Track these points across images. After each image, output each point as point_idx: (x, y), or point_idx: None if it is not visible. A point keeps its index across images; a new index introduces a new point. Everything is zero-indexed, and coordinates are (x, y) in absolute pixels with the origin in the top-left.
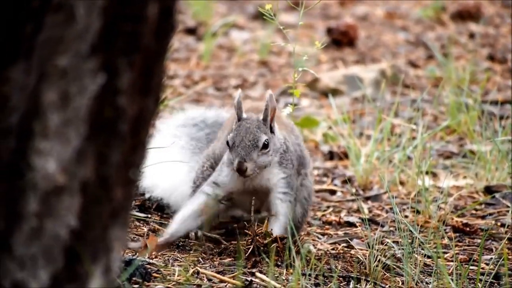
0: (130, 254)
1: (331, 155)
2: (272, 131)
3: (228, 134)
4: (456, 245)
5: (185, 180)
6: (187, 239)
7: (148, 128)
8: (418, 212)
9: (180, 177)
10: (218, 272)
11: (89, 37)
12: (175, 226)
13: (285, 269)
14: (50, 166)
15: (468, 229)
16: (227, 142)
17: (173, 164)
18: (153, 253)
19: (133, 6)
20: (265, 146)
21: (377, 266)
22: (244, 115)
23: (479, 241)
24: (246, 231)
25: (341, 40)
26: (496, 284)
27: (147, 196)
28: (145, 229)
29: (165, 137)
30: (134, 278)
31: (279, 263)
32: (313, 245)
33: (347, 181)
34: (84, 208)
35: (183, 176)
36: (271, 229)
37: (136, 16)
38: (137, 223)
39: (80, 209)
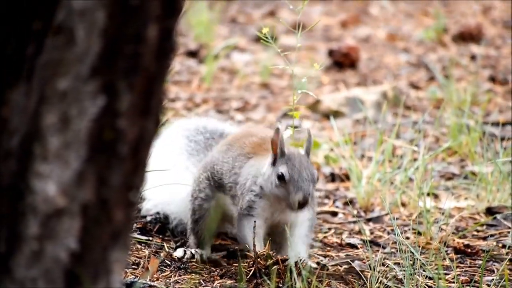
0: (132, 276)
1: (332, 177)
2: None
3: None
4: (457, 266)
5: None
6: (190, 261)
7: (148, 150)
8: (419, 233)
9: (180, 190)
10: None
11: (89, 60)
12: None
13: None
14: (50, 188)
15: (469, 250)
16: (281, 176)
17: (175, 172)
18: (155, 275)
19: (133, 28)
20: (317, 180)
21: (378, 287)
22: (286, 149)
23: (480, 262)
24: (247, 253)
25: (342, 62)
26: None
27: (148, 218)
28: (146, 252)
29: (163, 138)
30: None
31: (281, 285)
32: (317, 262)
33: (349, 202)
34: (84, 231)
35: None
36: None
37: (136, 38)
38: (139, 246)
39: (80, 232)
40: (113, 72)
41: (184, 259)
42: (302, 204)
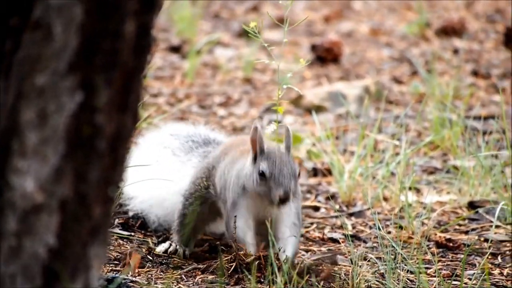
0: (113, 272)
1: (314, 172)
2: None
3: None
4: (439, 261)
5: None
6: (172, 257)
7: (126, 146)
8: (401, 227)
9: (171, 187)
10: None
11: (66, 55)
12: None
13: (267, 286)
14: (28, 184)
15: (451, 244)
16: (262, 173)
17: (161, 171)
18: (136, 270)
19: (110, 24)
20: (299, 175)
21: (360, 282)
22: (266, 146)
23: (462, 256)
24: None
25: (325, 56)
26: None
27: (130, 213)
28: (128, 247)
29: (155, 144)
30: None
31: (262, 280)
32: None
33: (331, 197)
34: (62, 226)
35: (173, 185)
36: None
37: (114, 34)
38: (120, 241)
39: (58, 228)
40: (91, 67)
41: (168, 252)
42: (284, 200)
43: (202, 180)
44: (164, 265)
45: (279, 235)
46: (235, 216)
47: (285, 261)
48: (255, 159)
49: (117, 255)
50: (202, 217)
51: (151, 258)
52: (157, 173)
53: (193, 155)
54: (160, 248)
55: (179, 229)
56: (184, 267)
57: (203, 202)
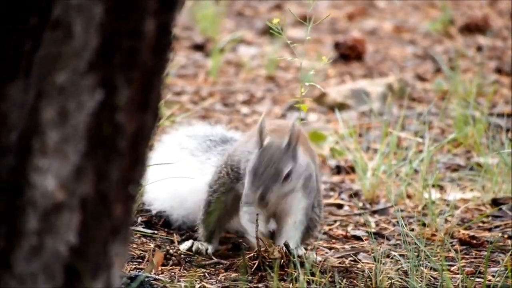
0: (136, 270)
1: (338, 169)
2: (294, 158)
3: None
4: (462, 258)
5: (195, 187)
6: (195, 255)
7: (147, 144)
8: (424, 225)
9: (191, 185)
10: (224, 287)
11: (86, 54)
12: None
13: (290, 284)
14: (49, 183)
15: (474, 241)
16: (250, 171)
17: (182, 168)
18: (159, 268)
19: (130, 23)
20: (288, 176)
21: (383, 279)
22: (267, 140)
23: (485, 253)
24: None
25: (349, 54)
26: None
27: (153, 212)
28: (152, 245)
29: (172, 146)
30: None
31: (285, 277)
32: (321, 255)
33: (354, 195)
34: (83, 225)
35: (194, 182)
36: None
37: (133, 32)
38: (144, 239)
39: (79, 226)
40: (111, 66)
41: (192, 250)
42: (261, 202)
43: (227, 167)
44: (188, 263)
45: (282, 232)
46: (248, 205)
47: (307, 259)
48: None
49: (140, 253)
50: (226, 209)
51: (174, 255)
52: (177, 172)
53: (212, 153)
54: (183, 247)
55: (204, 218)
56: (207, 265)
57: (228, 191)
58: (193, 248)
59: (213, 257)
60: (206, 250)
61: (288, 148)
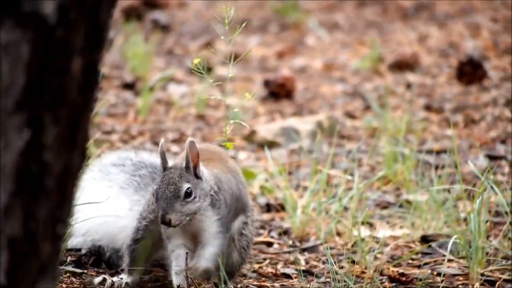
0: None
1: (268, 207)
2: (198, 177)
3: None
4: None
5: (125, 214)
6: None
7: (74, 183)
8: (354, 262)
9: (121, 222)
10: None
11: (14, 93)
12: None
13: None
14: None
15: (404, 278)
16: (153, 194)
17: (112, 201)
18: None
19: (57, 61)
20: (188, 194)
21: None
22: (170, 164)
23: None
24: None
25: (278, 92)
26: None
27: (83, 251)
28: (81, 284)
29: (100, 177)
30: None
31: None
32: None
33: (284, 233)
34: (12, 264)
35: (123, 210)
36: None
37: (60, 71)
38: (73, 279)
39: (7, 265)
40: (38, 105)
41: (105, 285)
42: (163, 222)
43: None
44: None
45: (199, 249)
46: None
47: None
48: None
49: None
50: (153, 238)
51: None
52: (106, 209)
53: (141, 193)
54: (96, 281)
55: (130, 245)
56: None
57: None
58: (107, 283)
59: None
60: (121, 284)
61: (187, 168)
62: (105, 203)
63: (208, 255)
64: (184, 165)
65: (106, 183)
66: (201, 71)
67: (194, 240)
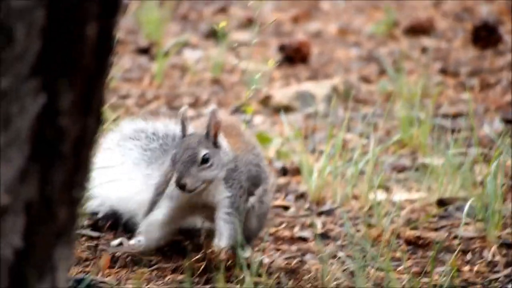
0: (82, 273)
1: (284, 172)
2: (217, 146)
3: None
4: (408, 258)
5: (142, 189)
6: (140, 256)
7: (90, 148)
8: (370, 226)
9: (136, 187)
10: None
11: (29, 58)
12: (147, 235)
13: (238, 285)
14: None
15: (420, 242)
16: (171, 158)
17: (128, 175)
18: (106, 271)
19: (72, 27)
20: (205, 160)
21: (329, 280)
22: (190, 131)
23: (431, 253)
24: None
25: (294, 57)
26: None
27: (100, 215)
28: (98, 248)
29: (116, 150)
30: None
31: (232, 279)
32: (267, 257)
33: (300, 196)
34: (28, 228)
35: (138, 185)
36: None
37: (75, 37)
38: (90, 242)
39: (24, 229)
40: (53, 70)
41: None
42: (178, 185)
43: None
44: (135, 266)
45: (215, 227)
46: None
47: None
48: None
49: (86, 256)
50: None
51: (121, 258)
52: (122, 173)
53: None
54: (113, 244)
55: (146, 216)
56: (153, 266)
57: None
58: (124, 245)
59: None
60: (139, 248)
61: (207, 135)
62: (120, 177)
63: (225, 241)
64: (204, 132)
65: (121, 158)
66: (224, 35)
67: (205, 216)
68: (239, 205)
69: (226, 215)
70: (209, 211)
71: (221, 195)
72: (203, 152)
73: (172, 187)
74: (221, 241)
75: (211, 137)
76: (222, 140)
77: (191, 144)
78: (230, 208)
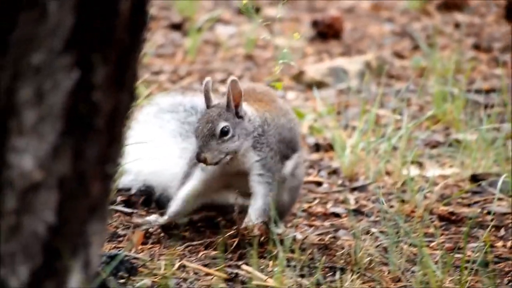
0: (116, 249)
1: (317, 147)
2: (239, 116)
3: None
4: (441, 234)
5: (177, 162)
6: (174, 230)
7: (123, 123)
8: (403, 201)
9: (171, 160)
10: (204, 265)
11: (62, 34)
12: (175, 208)
13: (271, 261)
14: (27, 163)
15: (454, 217)
16: (193, 132)
17: (163, 149)
18: (139, 247)
19: (105, 1)
20: (225, 133)
21: (362, 256)
22: (213, 103)
23: (465, 229)
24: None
25: (326, 32)
26: (481, 271)
27: (133, 190)
28: (131, 224)
29: (153, 123)
30: (120, 273)
31: (265, 255)
32: (300, 232)
33: (333, 172)
34: (61, 204)
35: (174, 158)
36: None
37: (109, 11)
38: (123, 218)
39: (57, 205)
40: (87, 45)
41: (155, 224)
42: (198, 159)
43: None
44: (167, 241)
45: (250, 190)
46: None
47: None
48: None
49: (119, 232)
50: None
51: (154, 234)
52: (158, 146)
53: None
54: (149, 219)
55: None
56: (186, 242)
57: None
58: (160, 221)
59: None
60: (175, 222)
61: (228, 106)
62: (156, 150)
63: (256, 208)
64: (225, 103)
65: (158, 130)
66: (250, 11)
67: (240, 184)
68: (271, 166)
69: (258, 177)
70: (244, 180)
71: (251, 161)
72: (222, 125)
73: None
74: (256, 202)
75: (232, 108)
76: (246, 109)
77: (211, 117)
78: (262, 169)
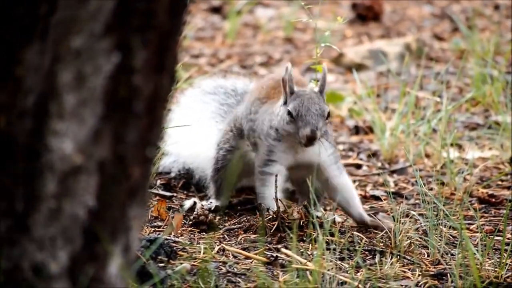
0: (155, 233)
1: (356, 130)
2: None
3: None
4: (481, 216)
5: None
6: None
7: (163, 106)
8: (443, 184)
9: (209, 142)
10: (243, 249)
11: (102, 17)
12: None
13: (310, 244)
14: (67, 146)
15: (493, 200)
16: (290, 112)
17: (203, 131)
18: (178, 230)
19: None
20: (328, 116)
21: (402, 239)
22: (296, 89)
23: (504, 211)
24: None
25: (366, 15)
26: None
27: (172, 174)
28: (171, 208)
29: (194, 106)
30: (159, 257)
31: (304, 238)
32: (340, 215)
33: (372, 155)
34: (101, 188)
35: (212, 140)
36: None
37: None
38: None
39: (97, 189)
40: (127, 29)
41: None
42: (311, 138)
43: (231, 124)
44: (206, 225)
45: (327, 175)
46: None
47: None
48: (286, 100)
49: (159, 216)
50: (233, 164)
51: (193, 218)
52: (197, 128)
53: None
54: (186, 205)
55: (213, 175)
56: (225, 226)
57: (232, 148)
58: (197, 206)
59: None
60: (211, 208)
61: (321, 93)
62: (195, 131)
63: (358, 203)
64: (318, 90)
65: (199, 113)
66: None
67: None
68: (338, 156)
69: (337, 171)
70: (308, 169)
71: (326, 153)
72: (327, 108)
73: (277, 151)
74: (353, 195)
75: (324, 95)
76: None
77: (314, 99)
78: (336, 161)
